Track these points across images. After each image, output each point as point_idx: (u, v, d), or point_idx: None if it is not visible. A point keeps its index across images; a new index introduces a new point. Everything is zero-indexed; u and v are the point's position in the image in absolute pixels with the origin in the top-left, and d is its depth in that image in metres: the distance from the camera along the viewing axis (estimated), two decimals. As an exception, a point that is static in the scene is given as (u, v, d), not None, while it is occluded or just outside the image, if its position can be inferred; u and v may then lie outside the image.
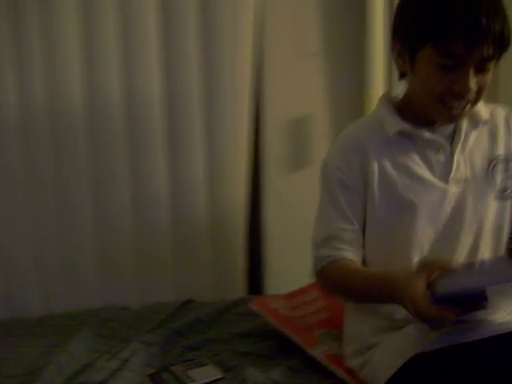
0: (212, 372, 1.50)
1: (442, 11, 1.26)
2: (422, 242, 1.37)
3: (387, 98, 1.47)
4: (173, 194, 2.14)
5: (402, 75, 1.40)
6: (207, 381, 1.46)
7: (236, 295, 2.04)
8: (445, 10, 1.25)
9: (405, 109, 1.42)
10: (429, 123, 1.39)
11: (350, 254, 1.39)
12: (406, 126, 1.38)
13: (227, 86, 2.12)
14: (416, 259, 1.36)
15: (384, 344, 1.38)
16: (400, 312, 1.26)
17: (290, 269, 2.19)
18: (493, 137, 1.44)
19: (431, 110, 1.35)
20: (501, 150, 1.42)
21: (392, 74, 2.21)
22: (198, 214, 2.17)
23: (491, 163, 1.41)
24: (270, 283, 2.27)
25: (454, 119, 1.38)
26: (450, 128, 1.40)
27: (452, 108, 1.33)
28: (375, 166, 1.38)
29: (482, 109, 1.41)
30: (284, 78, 2.18)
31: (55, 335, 1.80)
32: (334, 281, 1.42)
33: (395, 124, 1.39)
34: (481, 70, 1.28)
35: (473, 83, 1.28)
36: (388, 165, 1.39)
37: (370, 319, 1.43)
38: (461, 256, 1.38)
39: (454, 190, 1.37)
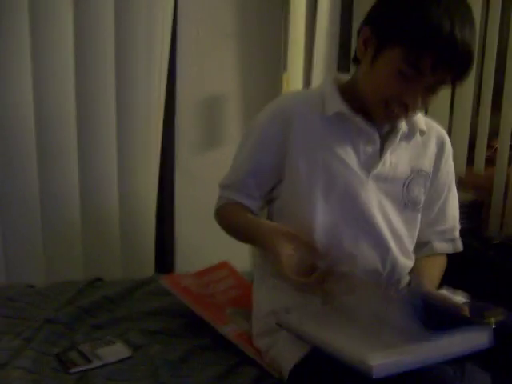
0: (120, 351, 1.49)
1: (429, 24, 1.24)
2: (332, 222, 1.39)
3: (334, 78, 1.46)
4: (83, 176, 2.10)
5: (356, 60, 1.40)
6: (115, 359, 1.45)
7: (146, 274, 2.03)
8: (431, 24, 1.24)
9: (348, 93, 1.42)
10: (368, 113, 1.40)
11: (246, 202, 1.46)
12: (344, 109, 1.39)
13: (140, 70, 2.09)
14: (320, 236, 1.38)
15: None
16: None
17: (202, 247, 2.20)
18: (422, 150, 1.48)
19: (372, 106, 1.37)
20: (425, 166, 1.47)
21: (312, 55, 2.24)
22: (108, 196, 2.15)
23: (412, 173, 1.45)
24: (181, 262, 2.27)
25: (389, 121, 1.41)
26: (387, 125, 1.43)
27: (392, 112, 1.35)
28: (302, 140, 1.39)
29: (422, 119, 1.46)
30: (199, 58, 2.17)
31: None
32: (226, 219, 1.50)
33: (335, 105, 1.39)
34: (434, 90, 1.32)
35: (423, 99, 1.32)
36: (316, 142, 1.40)
37: (276, 300, 1.44)
38: (363, 248, 1.41)
39: (371, 184, 1.40)
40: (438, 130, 1.53)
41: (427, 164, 1.49)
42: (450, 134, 2.57)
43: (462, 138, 2.57)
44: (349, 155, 1.39)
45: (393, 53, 1.28)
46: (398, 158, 1.43)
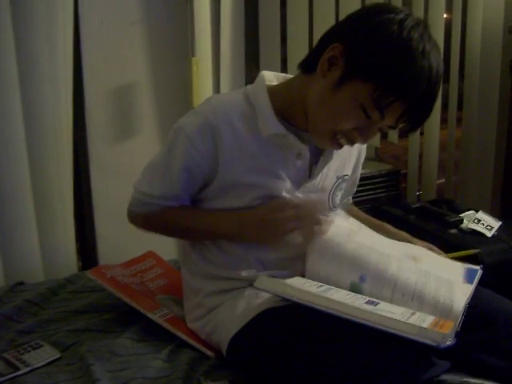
0: (48, 353, 1.43)
1: (412, 75, 1.16)
2: None
3: (264, 82, 1.35)
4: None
5: (306, 67, 1.30)
6: (44, 363, 1.40)
7: (68, 274, 1.97)
8: (414, 75, 1.16)
9: (281, 99, 1.32)
10: (299, 124, 1.34)
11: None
12: (280, 130, 1.30)
13: (43, 65, 1.99)
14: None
15: (226, 304, 1.39)
16: (238, 274, 1.34)
17: (123, 240, 2.16)
18: (348, 156, 1.47)
19: (317, 131, 1.30)
20: (348, 170, 1.48)
21: (218, 40, 2.23)
22: (22, 196, 2.05)
23: (338, 180, 1.44)
24: (104, 258, 2.22)
25: (329, 148, 1.36)
26: None
27: (337, 143, 1.30)
28: (233, 150, 1.31)
29: None
30: (105, 47, 2.13)
31: None
32: (165, 222, 1.43)
33: (271, 125, 1.30)
34: (384, 130, 1.29)
35: (371, 135, 1.28)
36: (247, 155, 1.32)
37: (208, 283, 1.44)
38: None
39: (300, 196, 1.37)
40: None
41: (349, 168, 1.50)
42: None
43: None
44: (279, 169, 1.34)
45: (362, 86, 1.18)
46: (329, 169, 1.41)
